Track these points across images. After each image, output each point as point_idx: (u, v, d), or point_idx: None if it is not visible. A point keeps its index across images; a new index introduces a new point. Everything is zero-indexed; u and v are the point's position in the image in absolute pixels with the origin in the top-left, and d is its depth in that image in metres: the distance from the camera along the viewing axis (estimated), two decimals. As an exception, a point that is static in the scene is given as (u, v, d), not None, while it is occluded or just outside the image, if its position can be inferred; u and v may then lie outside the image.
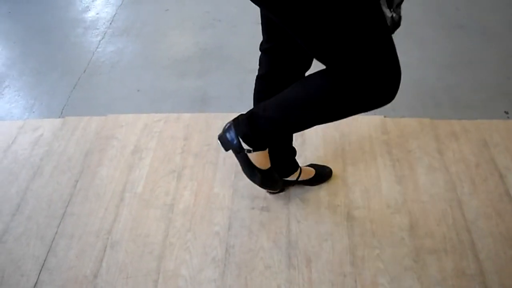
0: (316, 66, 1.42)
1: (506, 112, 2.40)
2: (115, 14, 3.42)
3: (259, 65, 1.68)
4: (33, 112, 2.61)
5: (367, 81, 1.23)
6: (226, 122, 1.62)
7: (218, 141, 1.64)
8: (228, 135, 1.60)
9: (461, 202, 1.96)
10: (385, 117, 2.35)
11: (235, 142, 1.58)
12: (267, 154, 1.64)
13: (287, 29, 1.27)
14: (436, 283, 1.70)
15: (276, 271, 1.76)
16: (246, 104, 2.40)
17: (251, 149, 1.58)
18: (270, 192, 2.01)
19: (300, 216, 1.93)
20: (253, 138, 1.56)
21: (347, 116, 1.37)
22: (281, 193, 2.01)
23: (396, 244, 1.82)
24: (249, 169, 1.65)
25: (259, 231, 1.89)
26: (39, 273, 1.82)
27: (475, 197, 1.98)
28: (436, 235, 1.84)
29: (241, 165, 1.66)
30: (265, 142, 1.59)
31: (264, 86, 1.68)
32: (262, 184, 1.72)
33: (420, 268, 1.74)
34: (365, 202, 1.97)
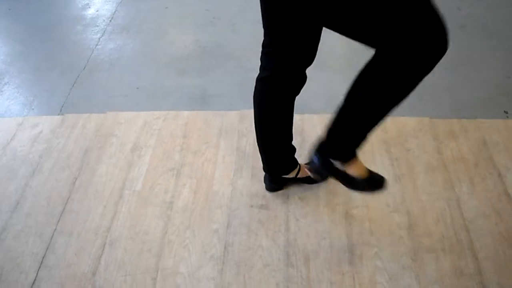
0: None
1: (506, 112, 2.40)
2: (115, 12, 3.42)
3: (262, 67, 1.67)
4: (32, 109, 2.61)
5: (418, 45, 1.28)
6: (309, 161, 1.72)
7: (312, 175, 1.78)
8: (317, 163, 1.67)
9: (460, 201, 1.96)
10: (384, 116, 2.35)
11: (327, 165, 1.65)
12: (359, 161, 1.67)
13: (335, 22, 1.32)
14: (434, 282, 1.70)
15: (275, 269, 1.76)
16: (246, 102, 2.41)
17: (343, 163, 1.63)
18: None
19: (299, 215, 1.93)
20: (341, 151, 1.61)
21: (417, 84, 1.41)
22: (279, 192, 2.01)
23: (394, 243, 1.82)
24: (354, 183, 1.69)
25: (257, 229, 1.90)
26: (38, 270, 1.82)
27: (474, 196, 1.98)
28: (435, 234, 1.85)
29: (344, 184, 1.71)
30: (352, 150, 1.62)
31: (268, 88, 1.67)
32: (371, 189, 1.75)
33: (418, 267, 1.75)
34: (364, 201, 1.97)
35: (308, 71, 1.62)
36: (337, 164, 1.64)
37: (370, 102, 1.44)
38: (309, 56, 1.56)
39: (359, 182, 1.68)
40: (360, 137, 1.57)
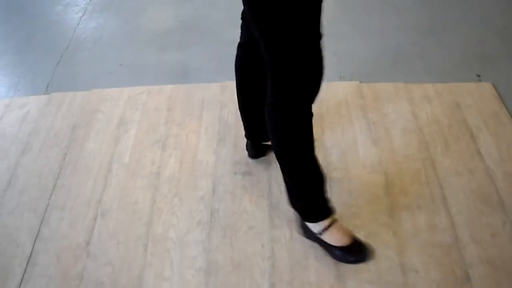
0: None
1: (478, 75, 2.49)
2: (94, -10, 3.45)
3: (241, 33, 1.75)
4: (18, 90, 2.66)
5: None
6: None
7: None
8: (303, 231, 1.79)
9: (434, 161, 2.06)
10: (360, 82, 2.44)
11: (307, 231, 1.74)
12: (340, 227, 1.73)
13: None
14: (410, 237, 1.80)
15: (259, 231, 1.86)
16: (225, 75, 2.48)
17: (321, 230, 1.70)
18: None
19: (281, 179, 2.00)
20: (305, 211, 1.71)
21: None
22: (261, 158, 2.10)
23: (372, 202, 1.92)
24: (332, 252, 1.74)
25: (242, 194, 1.99)
26: (34, 243, 1.90)
27: (447, 156, 2.07)
28: (410, 192, 1.95)
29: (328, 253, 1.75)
30: (313, 207, 1.71)
31: (245, 53, 1.76)
32: (356, 261, 1.73)
33: (395, 223, 1.85)
34: (343, 163, 2.07)
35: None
36: (313, 227, 1.72)
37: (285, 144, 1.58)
38: None
39: (338, 251, 1.72)
40: (305, 187, 1.68)
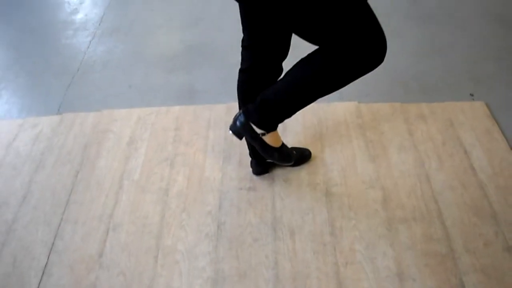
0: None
1: (472, 95, 2.60)
2: (103, 15, 3.58)
3: (242, 59, 1.88)
4: (31, 111, 2.77)
5: (358, 50, 1.49)
6: (235, 114, 1.86)
7: (230, 133, 1.90)
8: (239, 124, 1.84)
9: (429, 176, 2.16)
10: (359, 102, 2.55)
11: (247, 129, 1.84)
12: (278, 133, 1.91)
13: (285, 24, 1.56)
14: (407, 248, 1.90)
15: (264, 243, 1.95)
16: (230, 96, 2.60)
17: (264, 132, 1.85)
18: (286, 165, 2.19)
19: (284, 194, 2.12)
20: (266, 122, 1.82)
21: (348, 83, 1.61)
22: (265, 174, 2.20)
23: (370, 215, 2.02)
24: (266, 150, 1.93)
25: (247, 209, 2.09)
26: (48, 256, 1.99)
27: (442, 171, 2.17)
28: (407, 206, 2.04)
29: (258, 148, 1.93)
30: (276, 123, 1.85)
31: (247, 78, 1.89)
32: (280, 160, 2.05)
33: (393, 235, 1.94)
34: (342, 179, 2.17)
35: (284, 64, 1.82)
36: (258, 130, 1.85)
37: (305, 84, 1.65)
38: (282, 50, 1.78)
39: (272, 150, 1.95)
40: (288, 113, 1.79)
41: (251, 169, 2.21)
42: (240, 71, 1.90)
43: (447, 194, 2.08)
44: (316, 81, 1.62)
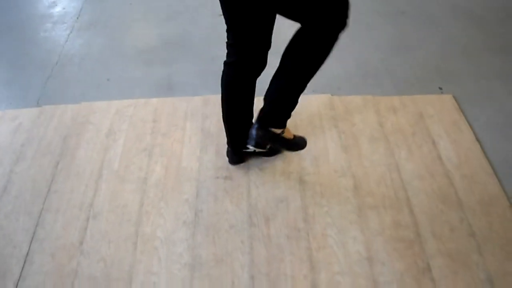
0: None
1: (440, 88, 2.70)
2: (81, 9, 3.60)
3: (228, 53, 1.92)
4: (10, 103, 2.80)
5: (337, 19, 1.70)
6: (251, 132, 2.04)
7: (252, 148, 2.08)
8: (260, 136, 2.02)
9: (399, 165, 2.25)
10: (332, 95, 2.63)
11: (269, 135, 2.03)
12: (287, 127, 2.11)
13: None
14: (376, 234, 1.99)
15: (239, 229, 2.03)
16: (207, 88, 2.67)
17: (283, 129, 2.05)
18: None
19: (259, 182, 2.20)
20: (282, 120, 2.03)
21: (330, 50, 1.78)
22: (241, 164, 2.28)
23: (342, 202, 2.10)
24: (290, 144, 2.16)
25: (223, 197, 2.16)
26: (30, 244, 2.04)
27: (411, 161, 2.27)
28: (377, 194, 2.14)
29: (283, 147, 2.16)
30: (289, 116, 2.05)
31: (233, 71, 1.95)
32: (300, 148, 2.26)
33: (363, 221, 2.03)
34: (315, 168, 2.25)
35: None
36: (277, 131, 2.02)
37: (297, 68, 1.82)
38: (265, 42, 1.84)
39: (293, 143, 2.17)
40: (296, 103, 1.98)
41: (227, 158, 2.27)
42: (225, 64, 1.96)
43: (415, 182, 2.18)
44: (312, 63, 1.80)
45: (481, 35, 3.08)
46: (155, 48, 3.16)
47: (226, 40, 1.87)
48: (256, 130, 2.00)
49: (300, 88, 1.91)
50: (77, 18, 3.51)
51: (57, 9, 3.62)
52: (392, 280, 1.83)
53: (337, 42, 1.73)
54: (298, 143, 2.24)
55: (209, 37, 3.16)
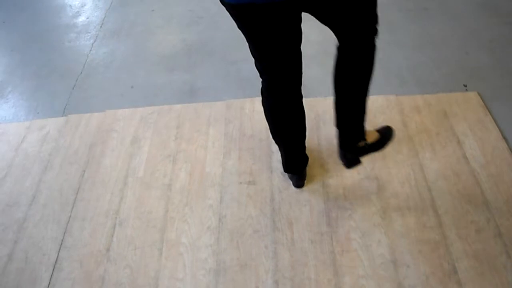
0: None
1: (465, 85, 2.66)
2: (104, 18, 3.66)
3: (260, 75, 1.81)
4: (38, 113, 2.86)
5: (368, 32, 1.66)
6: (341, 158, 2.07)
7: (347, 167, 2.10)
8: (353, 157, 2.05)
9: (423, 166, 2.23)
10: (354, 96, 2.62)
11: (359, 150, 2.02)
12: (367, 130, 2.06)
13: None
14: (401, 236, 1.97)
15: (263, 234, 2.04)
16: (230, 93, 2.69)
17: (366, 140, 2.03)
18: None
19: (282, 187, 2.20)
20: (363, 132, 1.98)
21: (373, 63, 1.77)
22: (264, 168, 2.28)
23: (365, 205, 2.09)
24: (379, 144, 2.10)
25: (247, 202, 2.17)
26: (59, 251, 2.09)
27: (435, 161, 2.24)
28: (401, 195, 2.12)
29: (376, 151, 2.10)
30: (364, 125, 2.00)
31: (269, 94, 1.85)
32: (391, 136, 2.16)
33: (387, 224, 2.02)
34: (338, 171, 2.24)
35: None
36: (362, 143, 1.99)
37: (353, 90, 1.78)
38: (295, 68, 1.75)
39: (382, 140, 2.10)
40: (363, 115, 1.91)
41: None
42: (262, 92, 1.86)
43: (440, 183, 2.15)
44: (363, 78, 1.78)
45: (506, 30, 3.02)
46: (178, 54, 3.19)
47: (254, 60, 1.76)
48: (345, 156, 2.02)
49: (363, 103, 1.85)
50: (101, 27, 3.56)
51: (81, 19, 3.69)
52: (417, 283, 1.82)
53: (376, 50, 1.71)
54: (386, 135, 2.15)
55: (231, 41, 3.17)
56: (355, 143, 1.98)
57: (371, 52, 1.70)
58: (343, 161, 2.06)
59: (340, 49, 1.70)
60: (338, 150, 2.04)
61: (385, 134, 2.15)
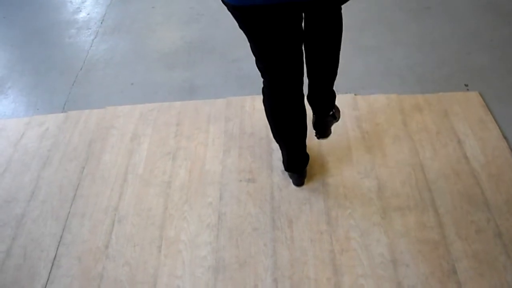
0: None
1: (466, 85, 2.65)
2: (105, 14, 3.65)
3: (262, 75, 1.80)
4: (37, 109, 2.86)
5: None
6: (313, 121, 2.10)
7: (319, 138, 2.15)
8: (327, 124, 2.10)
9: (423, 165, 2.22)
10: (355, 95, 2.61)
11: (331, 118, 2.08)
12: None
13: None
14: (400, 236, 1.96)
15: (263, 232, 2.03)
16: (230, 91, 2.68)
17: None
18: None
19: (282, 185, 2.19)
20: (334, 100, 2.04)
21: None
22: (264, 166, 2.28)
23: (365, 204, 2.09)
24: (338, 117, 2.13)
25: (246, 199, 2.16)
26: (57, 248, 2.08)
27: (436, 160, 2.24)
28: (401, 195, 2.11)
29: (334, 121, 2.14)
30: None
31: (271, 91, 1.84)
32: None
33: (387, 223, 2.01)
34: (338, 170, 2.24)
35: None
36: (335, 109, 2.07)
37: (329, 47, 1.78)
38: (297, 69, 1.75)
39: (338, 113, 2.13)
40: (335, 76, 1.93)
41: (285, 168, 2.17)
42: (263, 92, 1.86)
43: (440, 182, 2.15)
44: (335, 38, 1.79)
45: (508, 30, 3.01)
46: (178, 51, 3.18)
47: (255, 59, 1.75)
48: (320, 123, 2.06)
49: (337, 65, 1.86)
50: (101, 23, 3.55)
51: (82, 15, 3.68)
52: (417, 283, 1.81)
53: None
54: (338, 110, 2.15)
55: (231, 39, 3.16)
56: (329, 109, 2.02)
57: (340, 14, 1.72)
58: (316, 129, 2.11)
59: (308, 21, 1.68)
60: (314, 120, 2.07)
61: (338, 109, 2.19)
